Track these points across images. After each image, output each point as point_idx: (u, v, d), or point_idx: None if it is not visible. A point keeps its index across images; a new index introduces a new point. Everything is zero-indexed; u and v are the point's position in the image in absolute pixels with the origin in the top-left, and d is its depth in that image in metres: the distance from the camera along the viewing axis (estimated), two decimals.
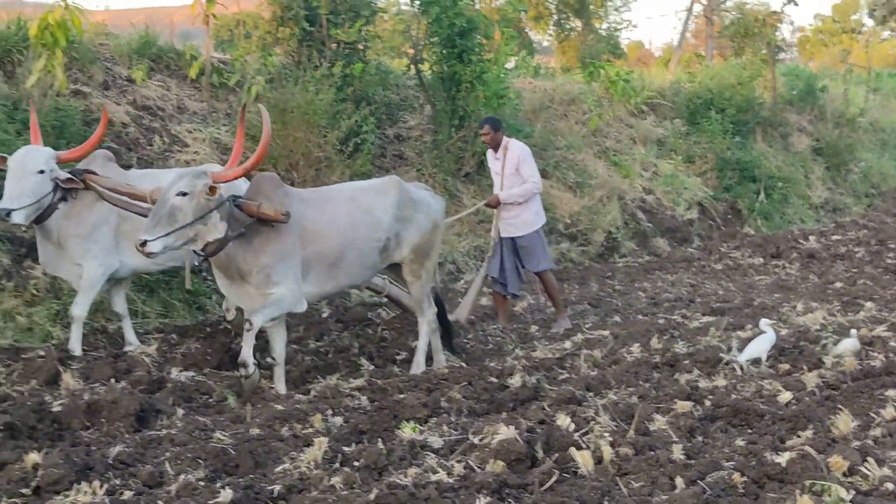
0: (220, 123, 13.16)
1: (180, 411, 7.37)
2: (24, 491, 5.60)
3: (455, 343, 9.51)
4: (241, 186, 8.10)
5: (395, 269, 8.85)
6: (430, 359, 8.86)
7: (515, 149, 10.57)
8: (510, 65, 18.65)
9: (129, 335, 9.04)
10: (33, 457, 5.86)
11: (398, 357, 9.09)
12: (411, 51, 16.02)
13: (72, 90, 11.73)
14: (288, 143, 12.78)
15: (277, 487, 5.63)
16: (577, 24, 34.68)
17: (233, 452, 6.16)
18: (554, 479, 5.58)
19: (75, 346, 8.53)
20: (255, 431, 6.67)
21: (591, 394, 7.42)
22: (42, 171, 8.19)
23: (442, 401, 7.31)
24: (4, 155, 8.36)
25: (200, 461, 6.04)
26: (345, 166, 13.10)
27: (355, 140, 13.35)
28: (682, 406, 6.78)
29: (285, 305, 7.74)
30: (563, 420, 6.46)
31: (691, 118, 20.31)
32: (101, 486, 5.57)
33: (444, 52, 14.86)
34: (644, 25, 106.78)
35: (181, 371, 8.31)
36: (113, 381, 7.81)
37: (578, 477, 5.71)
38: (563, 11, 34.29)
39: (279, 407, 7.29)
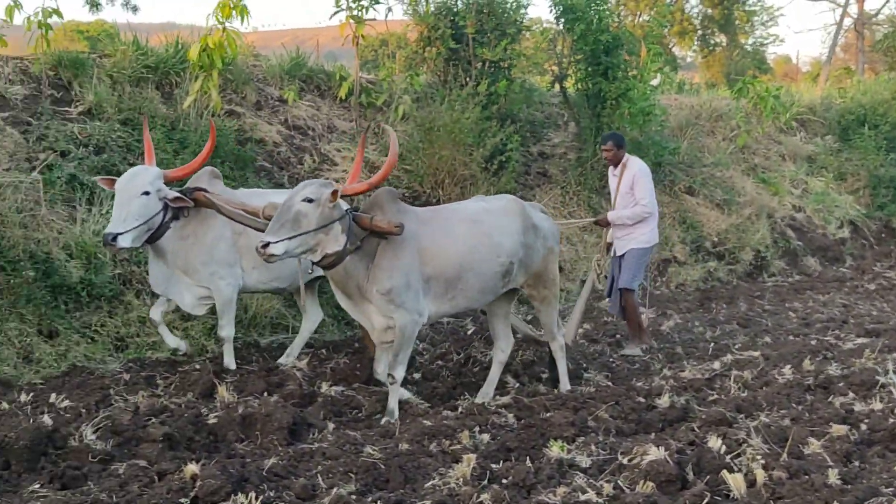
0: (369, 142, 13.36)
1: (331, 425, 7.49)
2: (182, 500, 5.75)
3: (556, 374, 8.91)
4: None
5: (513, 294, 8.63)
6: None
7: (633, 168, 10.33)
8: (655, 81, 18.48)
9: (169, 339, 9.02)
10: (191, 467, 6.03)
11: (544, 375, 9.07)
12: (556, 68, 16.03)
13: (226, 110, 12.08)
14: (434, 161, 12.92)
15: (427, 503, 5.67)
16: (721, 39, 34.23)
17: (383, 467, 6.23)
18: (705, 501, 5.48)
19: (230, 363, 8.79)
20: (405, 447, 6.73)
21: (741, 415, 7.28)
22: (147, 192, 8.08)
23: (589, 420, 7.26)
24: (113, 178, 8.34)
25: (352, 475, 6.12)
26: (489, 184, 13.16)
27: (500, 158, 13.40)
28: (838, 430, 6.59)
29: (412, 333, 7.60)
30: (714, 442, 6.35)
31: (843, 134, 19.82)
32: (257, 498, 5.70)
33: (589, 69, 14.84)
34: (791, 40, 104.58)
35: (331, 385, 8.45)
36: (266, 394, 7.99)
37: (730, 500, 5.60)
38: (708, 27, 33.89)
39: (427, 423, 7.34)
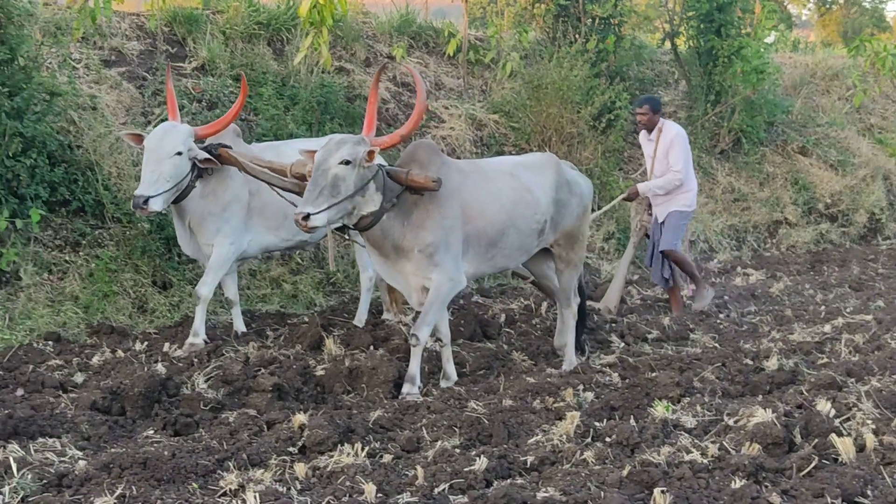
0: (476, 100, 13.36)
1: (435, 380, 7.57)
2: (290, 449, 5.89)
3: (583, 340, 8.66)
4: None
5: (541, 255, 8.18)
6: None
7: (669, 132, 9.93)
8: (769, 39, 18.10)
9: (238, 323, 8.70)
10: (300, 417, 6.17)
11: (649, 336, 9.02)
12: (666, 25, 15.79)
13: (336, 67, 12.17)
14: (541, 118, 12.86)
15: (530, 458, 5.70)
16: None
17: (486, 422, 6.28)
18: (813, 464, 5.41)
19: (199, 329, 8.15)
20: (508, 403, 6.77)
21: (852, 379, 7.14)
22: (180, 153, 7.69)
23: (695, 381, 7.21)
24: (141, 133, 8.02)
25: (455, 429, 6.19)
26: (597, 142, 13.06)
27: (608, 116, 13.28)
28: None
29: (446, 295, 7.14)
30: (823, 405, 6.24)
31: None
32: (363, 449, 5.80)
33: (702, 26, 14.59)
34: None
35: (436, 341, 8.51)
36: (372, 348, 8.09)
37: (839, 464, 5.51)
38: None
39: (531, 380, 7.36)
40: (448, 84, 13.57)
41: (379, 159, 6.98)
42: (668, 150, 9.87)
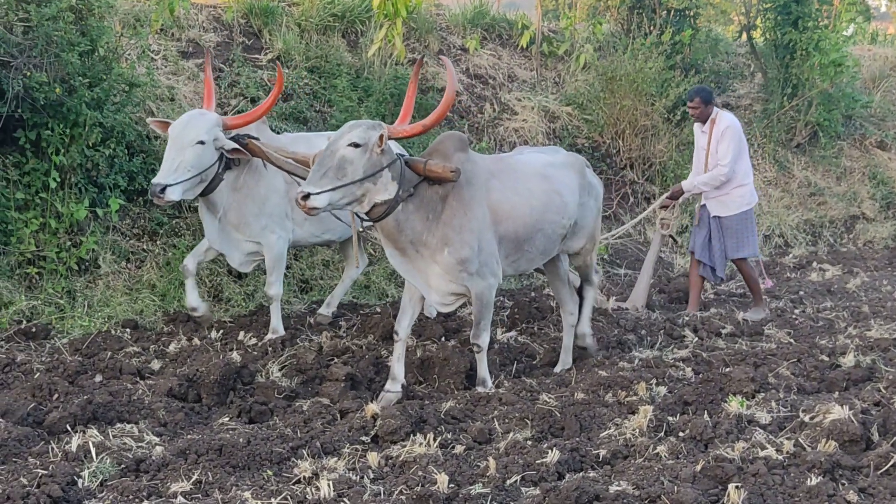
0: (549, 92, 13.32)
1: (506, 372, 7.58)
2: (363, 438, 5.94)
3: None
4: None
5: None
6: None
7: (722, 123, 9.48)
8: (848, 31, 17.82)
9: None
10: (372, 407, 6.21)
11: (723, 330, 8.93)
12: (742, 17, 15.62)
13: (409, 59, 12.19)
14: (614, 111, 12.80)
15: (602, 452, 5.69)
16: None
17: (558, 415, 6.27)
18: (891, 462, 5.32)
19: (278, 327, 8.12)
20: (580, 396, 6.75)
21: None
22: (202, 142, 7.40)
23: (770, 376, 7.13)
24: (168, 120, 7.71)
25: (527, 421, 6.19)
26: (671, 135, 12.97)
27: (683, 109, 13.16)
28: None
29: (490, 298, 6.86)
30: None
31: None
32: (435, 439, 5.83)
33: (779, 18, 14.41)
34: None
35: (505, 332, 8.51)
36: (444, 339, 8.11)
37: None
38: None
39: (603, 373, 7.33)
40: (521, 76, 13.55)
41: (399, 149, 6.81)
42: (719, 143, 9.51)
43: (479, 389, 6.95)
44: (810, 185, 14.47)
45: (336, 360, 7.33)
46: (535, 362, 7.97)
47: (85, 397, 6.29)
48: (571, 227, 7.45)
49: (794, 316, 9.72)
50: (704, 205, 9.80)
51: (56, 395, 6.45)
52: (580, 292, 8.06)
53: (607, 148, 12.95)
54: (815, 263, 12.59)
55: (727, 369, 7.25)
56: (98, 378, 6.95)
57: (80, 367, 7.07)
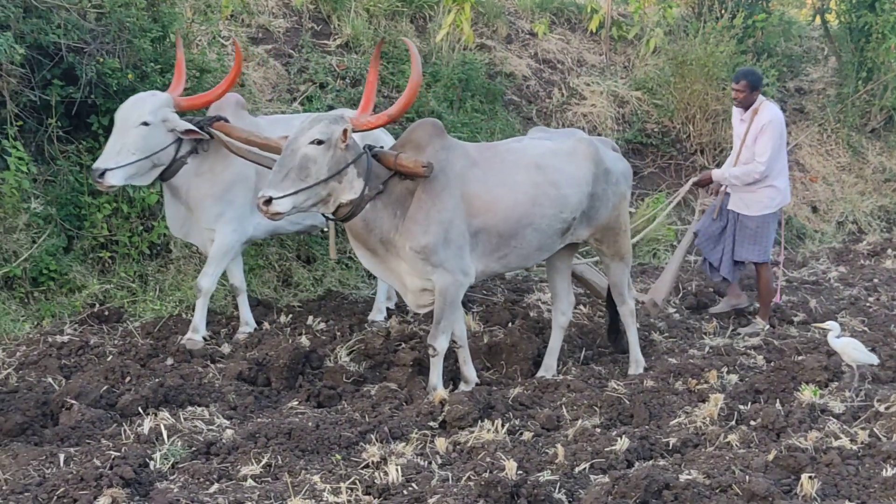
0: (618, 76, 13.20)
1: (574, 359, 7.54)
2: (431, 424, 5.95)
3: (621, 338, 7.68)
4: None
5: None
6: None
7: (765, 116, 8.47)
8: None
9: (245, 313, 7.90)
10: (440, 392, 6.21)
11: (795, 318, 8.80)
12: (817, 1, 15.34)
13: (477, 44, 12.15)
14: (685, 95, 12.65)
15: (672, 440, 5.65)
16: None
17: (627, 402, 6.24)
18: None
19: (199, 325, 7.51)
20: (649, 384, 6.70)
21: None
22: (147, 123, 6.96)
23: (843, 365, 7.01)
24: None
25: (596, 409, 6.16)
26: None
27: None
28: None
29: (454, 296, 6.38)
30: None
31: None
32: (503, 425, 5.82)
33: (854, 1, 14.11)
34: None
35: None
36: (511, 325, 8.08)
37: None
38: None
39: (673, 361, 7.27)
40: (590, 60, 13.43)
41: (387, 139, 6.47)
42: (757, 136, 8.51)
43: (429, 397, 6.38)
44: (885, 170, 14.18)
45: (404, 345, 7.33)
46: (603, 349, 7.91)
47: (156, 380, 6.38)
48: (576, 220, 6.83)
49: (868, 304, 9.55)
50: (729, 194, 8.85)
51: (128, 378, 6.54)
52: (614, 315, 7.53)
53: (677, 133, 12.80)
54: (889, 250, 12.33)
55: (799, 357, 7.16)
56: (169, 361, 7.03)
57: (152, 351, 7.16)
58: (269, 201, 5.74)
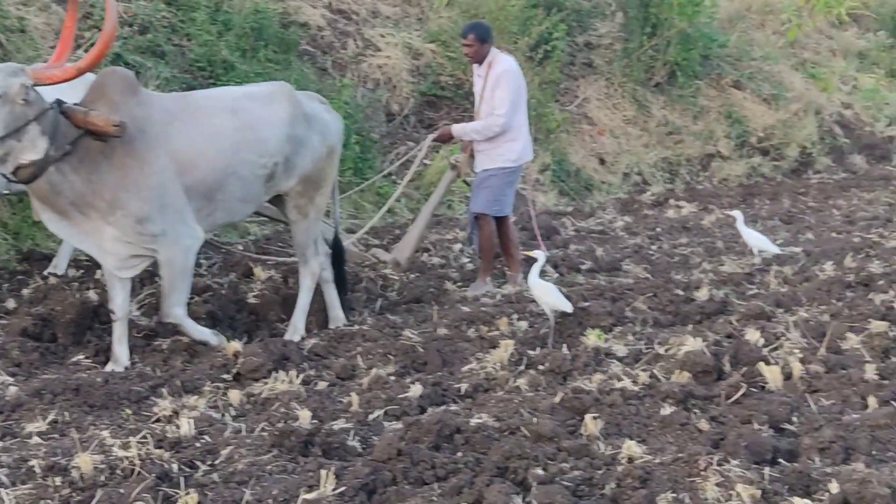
0: (413, 28, 13.23)
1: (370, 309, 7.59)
2: (224, 376, 5.90)
3: (348, 299, 7.53)
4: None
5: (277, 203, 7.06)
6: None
7: (499, 67, 8.25)
8: None
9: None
10: (234, 345, 6.17)
11: (583, 266, 9.08)
12: None
13: None
14: None
15: (464, 386, 5.77)
16: None
17: (421, 350, 6.33)
18: (741, 392, 5.51)
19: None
20: (443, 332, 6.81)
21: (780, 310, 7.25)
22: None
23: (627, 310, 7.29)
24: None
25: (390, 357, 6.23)
26: (534, 74, 13.01)
27: (545, 47, 13.22)
28: (877, 326, 6.53)
29: (184, 263, 6.08)
30: (752, 335, 6.35)
31: None
32: (298, 376, 5.83)
33: None
34: None
35: (370, 270, 8.51)
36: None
37: (766, 392, 5.62)
38: None
39: (466, 309, 7.41)
40: (384, 12, 13.41)
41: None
42: (494, 89, 8.26)
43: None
44: (668, 123, 14.72)
45: (196, 298, 7.21)
46: (398, 298, 7.99)
47: None
48: (279, 165, 6.57)
49: (650, 252, 9.95)
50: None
51: None
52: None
53: (471, 86, 12.93)
54: (671, 201, 12.88)
55: (586, 304, 7.38)
56: None
57: None
58: None
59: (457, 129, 8.55)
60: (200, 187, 6.12)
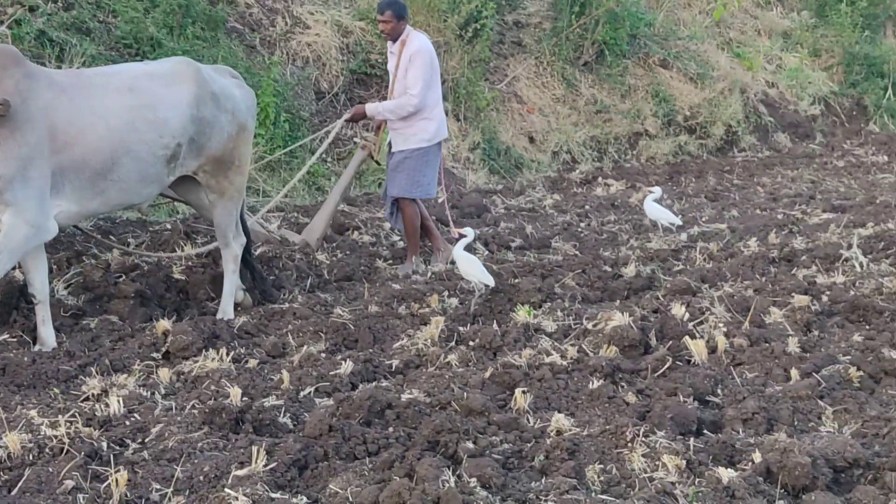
0: (342, 6, 13.17)
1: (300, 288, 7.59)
2: (154, 355, 5.89)
3: (270, 283, 7.49)
4: None
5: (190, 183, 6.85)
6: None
7: (412, 46, 8.17)
8: None
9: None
10: (163, 323, 6.14)
11: (512, 244, 9.16)
12: None
13: None
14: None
15: (395, 362, 5.81)
16: None
17: (352, 327, 6.36)
18: (667, 365, 5.63)
19: None
20: (374, 309, 6.84)
21: (706, 285, 7.39)
22: None
23: (556, 287, 7.38)
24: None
25: (321, 335, 6.25)
26: (463, 52, 13.05)
27: (474, 26, 13.23)
28: (800, 300, 6.70)
29: (17, 245, 5.72)
30: (678, 309, 6.47)
31: (820, 10, 19.58)
32: (228, 354, 5.82)
33: None
34: None
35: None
36: None
37: (692, 365, 5.74)
38: None
39: (397, 287, 7.44)
40: None
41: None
42: (407, 67, 8.20)
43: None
44: (596, 102, 14.84)
45: (124, 277, 7.15)
46: (328, 277, 8.00)
47: None
48: (183, 146, 6.39)
49: (579, 229, 10.06)
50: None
51: None
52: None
53: None
54: (600, 178, 13.01)
55: (515, 280, 7.46)
56: None
57: None
58: None
59: (370, 108, 8.49)
60: (85, 164, 5.92)
